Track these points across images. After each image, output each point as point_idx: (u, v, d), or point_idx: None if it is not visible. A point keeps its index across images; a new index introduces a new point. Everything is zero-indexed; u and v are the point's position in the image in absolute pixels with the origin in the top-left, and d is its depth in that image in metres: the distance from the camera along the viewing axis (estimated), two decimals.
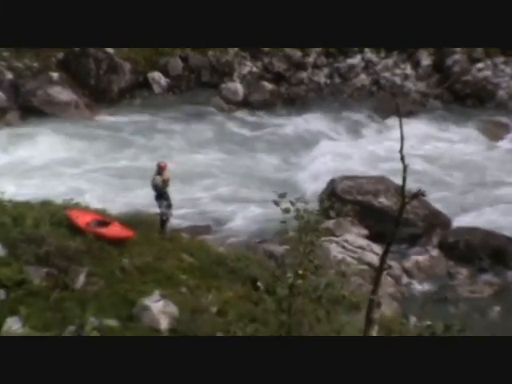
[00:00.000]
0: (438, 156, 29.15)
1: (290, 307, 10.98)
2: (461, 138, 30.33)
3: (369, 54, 33.36)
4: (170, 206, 20.38)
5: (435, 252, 24.17)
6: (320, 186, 25.79)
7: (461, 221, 25.41)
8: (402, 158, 9.37)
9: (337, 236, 22.61)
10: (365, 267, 21.21)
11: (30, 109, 30.22)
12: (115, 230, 19.65)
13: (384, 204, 23.97)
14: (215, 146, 29.54)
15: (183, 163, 26.39)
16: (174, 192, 20.66)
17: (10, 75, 31.24)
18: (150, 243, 19.90)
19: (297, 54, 33.24)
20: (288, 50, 33.00)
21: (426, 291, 23.13)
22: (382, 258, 11.03)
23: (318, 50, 33.22)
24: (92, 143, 28.85)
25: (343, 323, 11.97)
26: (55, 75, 31.32)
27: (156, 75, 32.23)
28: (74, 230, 19.31)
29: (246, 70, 32.83)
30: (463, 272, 23.78)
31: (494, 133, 30.66)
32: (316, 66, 33.28)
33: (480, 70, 32.35)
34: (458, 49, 32.86)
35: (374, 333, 10.48)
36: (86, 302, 17.66)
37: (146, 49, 32.10)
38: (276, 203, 10.78)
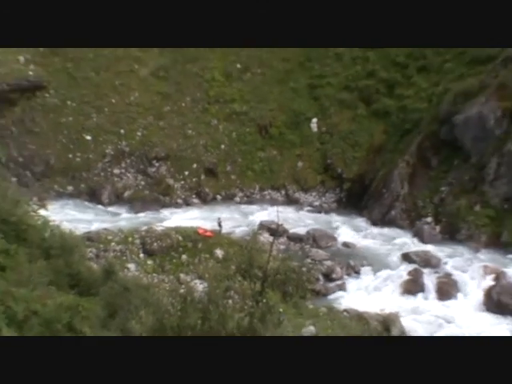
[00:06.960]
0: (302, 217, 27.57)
1: (251, 255, 9.85)
2: (295, 208, 28.43)
3: (270, 191, 29.67)
4: (221, 227, 22.18)
5: (285, 239, 24.54)
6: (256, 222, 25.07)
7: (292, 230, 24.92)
8: (278, 219, 10.68)
9: (262, 235, 23.27)
10: (269, 242, 20.56)
11: (178, 206, 28.18)
12: (209, 233, 21.15)
13: (275, 228, 23.50)
14: (231, 215, 28.13)
15: (223, 218, 24.93)
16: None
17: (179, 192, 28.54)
18: (217, 238, 21.24)
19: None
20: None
21: (284, 250, 23.22)
22: (273, 240, 12.80)
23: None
24: (201, 212, 27.60)
25: (265, 258, 10.13)
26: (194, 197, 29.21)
27: (218, 196, 29.98)
28: (199, 234, 20.99)
29: (239, 195, 30.18)
30: (296, 246, 23.97)
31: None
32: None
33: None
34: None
35: (271, 262, 8.31)
36: (200, 251, 19.92)
37: (216, 185, 27.98)
38: (247, 227, 11.83)
